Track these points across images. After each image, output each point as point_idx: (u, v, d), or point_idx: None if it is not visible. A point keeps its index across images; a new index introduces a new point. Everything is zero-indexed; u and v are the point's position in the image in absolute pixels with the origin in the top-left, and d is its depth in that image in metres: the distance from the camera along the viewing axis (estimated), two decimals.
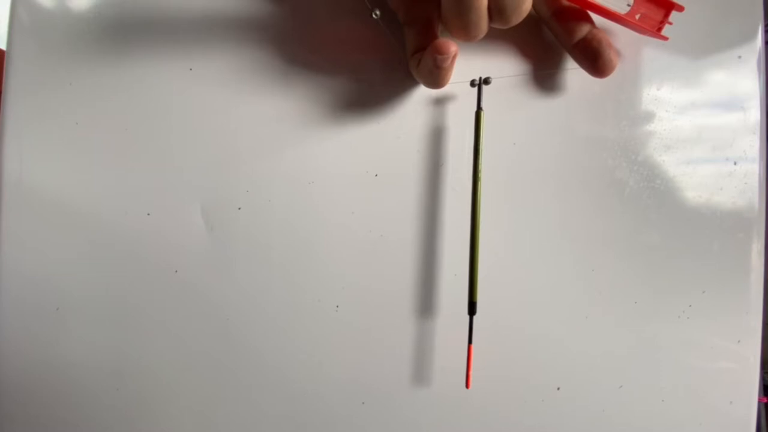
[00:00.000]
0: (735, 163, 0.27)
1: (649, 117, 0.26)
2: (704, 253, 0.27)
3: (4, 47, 0.25)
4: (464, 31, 0.20)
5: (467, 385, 0.24)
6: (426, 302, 0.26)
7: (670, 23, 0.23)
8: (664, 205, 0.27)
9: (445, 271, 0.26)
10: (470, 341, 0.24)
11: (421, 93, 0.25)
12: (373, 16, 0.22)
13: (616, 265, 0.26)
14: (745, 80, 0.27)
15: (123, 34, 0.25)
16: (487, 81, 0.24)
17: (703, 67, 0.27)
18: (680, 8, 0.23)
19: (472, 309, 0.24)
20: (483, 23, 0.20)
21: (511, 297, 0.26)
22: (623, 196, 0.26)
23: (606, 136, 0.26)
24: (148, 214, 0.25)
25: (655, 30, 0.23)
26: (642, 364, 0.27)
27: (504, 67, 0.26)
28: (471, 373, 0.24)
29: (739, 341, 0.27)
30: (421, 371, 0.26)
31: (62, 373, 0.25)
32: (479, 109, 0.24)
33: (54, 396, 0.25)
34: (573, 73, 0.26)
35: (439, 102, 0.26)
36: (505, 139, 0.26)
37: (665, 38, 0.23)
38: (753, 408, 0.28)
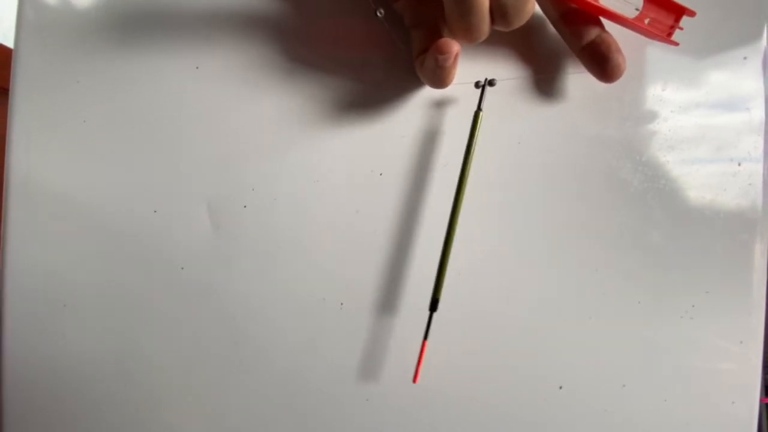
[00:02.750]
0: (739, 164, 0.27)
1: (653, 117, 0.26)
2: (708, 254, 0.27)
3: (11, 45, 0.25)
4: (466, 34, 0.20)
5: (415, 380, 0.24)
6: (427, 300, 0.26)
7: (681, 28, 0.23)
8: (668, 206, 0.27)
9: (449, 270, 0.26)
10: (426, 337, 0.24)
11: (427, 93, 0.26)
12: (378, 14, 0.23)
13: (619, 265, 0.26)
14: (749, 81, 0.27)
15: (130, 32, 0.25)
16: (491, 83, 0.24)
17: (707, 67, 0.27)
18: (692, 13, 0.22)
19: (433, 306, 0.24)
20: (485, 26, 0.20)
21: (514, 296, 0.26)
22: (627, 196, 0.26)
23: (610, 136, 0.26)
24: (155, 212, 0.25)
25: (665, 35, 0.23)
26: (644, 364, 0.27)
27: (509, 69, 0.26)
28: (420, 369, 0.24)
29: (741, 342, 0.27)
30: (424, 369, 0.26)
31: (69, 369, 0.25)
32: (479, 109, 0.24)
33: (61, 392, 0.26)
34: (577, 74, 0.26)
35: (445, 103, 0.26)
36: (509, 139, 0.26)
37: (676, 44, 0.23)
38: (755, 408, 0.28)
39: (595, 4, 0.22)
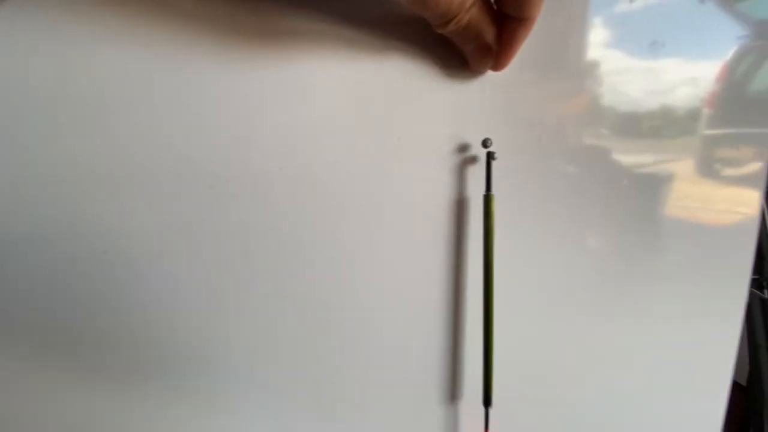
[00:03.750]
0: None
1: (652, 118, 0.26)
2: (703, 258, 0.27)
3: None
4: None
5: None
6: (432, 306, 0.26)
7: None
8: (664, 208, 0.26)
9: (448, 279, 0.26)
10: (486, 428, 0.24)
11: (436, 105, 0.25)
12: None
13: (614, 267, 0.27)
14: None
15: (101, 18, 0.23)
16: (486, 145, 0.23)
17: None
18: None
19: (487, 401, 0.24)
20: None
21: (514, 296, 0.26)
22: (626, 196, 0.26)
23: (609, 139, 0.26)
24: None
25: None
26: (636, 365, 0.27)
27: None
28: None
29: (729, 344, 0.28)
30: (426, 377, 0.26)
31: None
32: (488, 192, 0.23)
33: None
34: (574, 78, 0.25)
35: (454, 112, 0.25)
36: (508, 144, 0.25)
37: None
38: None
39: None
